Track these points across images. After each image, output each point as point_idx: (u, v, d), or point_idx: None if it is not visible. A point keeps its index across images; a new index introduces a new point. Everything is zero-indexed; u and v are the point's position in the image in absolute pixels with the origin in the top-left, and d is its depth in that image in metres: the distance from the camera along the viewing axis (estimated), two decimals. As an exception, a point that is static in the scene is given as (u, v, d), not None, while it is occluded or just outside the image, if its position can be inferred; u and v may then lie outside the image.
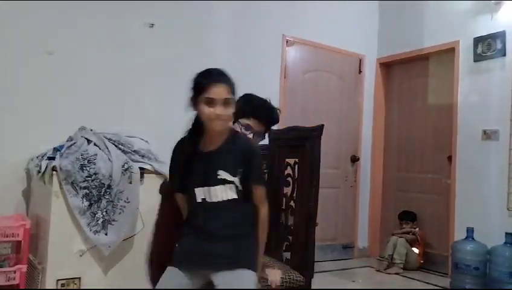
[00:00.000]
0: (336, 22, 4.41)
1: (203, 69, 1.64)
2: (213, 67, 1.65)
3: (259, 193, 1.66)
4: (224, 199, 1.62)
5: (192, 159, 1.66)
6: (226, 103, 1.56)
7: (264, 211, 1.67)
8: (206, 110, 1.56)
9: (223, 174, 1.62)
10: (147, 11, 3.29)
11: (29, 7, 2.81)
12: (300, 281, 1.87)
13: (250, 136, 1.89)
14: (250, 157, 1.65)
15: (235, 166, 1.63)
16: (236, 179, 1.62)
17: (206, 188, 1.63)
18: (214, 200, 1.63)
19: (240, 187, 1.62)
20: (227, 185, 1.62)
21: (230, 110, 1.59)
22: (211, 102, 1.55)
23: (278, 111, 2.01)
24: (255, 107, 1.97)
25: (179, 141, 1.75)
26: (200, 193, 1.65)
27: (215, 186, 1.62)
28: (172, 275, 1.61)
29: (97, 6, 3.06)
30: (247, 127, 1.94)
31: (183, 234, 1.70)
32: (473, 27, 3.80)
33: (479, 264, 3.32)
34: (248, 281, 1.56)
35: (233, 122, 1.84)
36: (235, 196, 1.62)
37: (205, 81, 1.58)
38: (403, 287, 3.62)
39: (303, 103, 4.22)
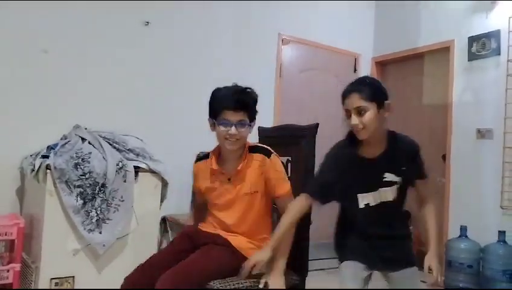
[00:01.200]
0: (331, 21, 4.41)
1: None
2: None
3: (428, 185, 1.78)
4: (389, 200, 1.70)
5: (355, 166, 1.69)
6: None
7: (433, 201, 1.81)
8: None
9: (389, 177, 1.68)
10: (142, 9, 3.28)
11: (23, 5, 2.79)
12: (295, 280, 1.87)
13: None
14: (415, 154, 1.72)
15: (400, 166, 1.69)
16: (399, 179, 1.69)
17: (372, 193, 1.70)
18: (379, 202, 1.70)
19: (400, 185, 1.70)
20: (393, 187, 1.69)
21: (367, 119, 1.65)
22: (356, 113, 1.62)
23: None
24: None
25: (336, 149, 1.76)
26: (365, 198, 1.71)
27: (381, 189, 1.69)
28: (353, 265, 1.72)
29: (92, 5, 3.04)
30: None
31: (347, 239, 1.79)
32: (467, 26, 3.81)
33: (473, 263, 3.34)
34: (417, 277, 1.77)
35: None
36: (396, 197, 1.70)
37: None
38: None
39: (298, 101, 4.22)
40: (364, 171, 1.68)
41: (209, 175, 1.90)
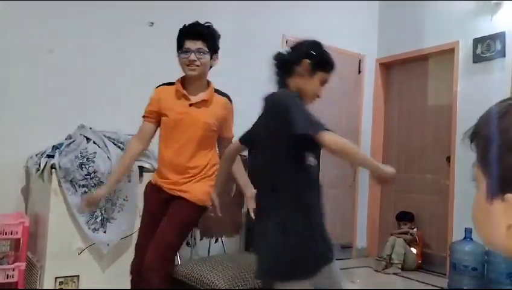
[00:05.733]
0: (335, 22, 4.41)
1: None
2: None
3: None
4: None
5: None
6: None
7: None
8: None
9: None
10: (146, 10, 3.29)
11: (28, 5, 2.81)
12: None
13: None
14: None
15: None
16: None
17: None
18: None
19: None
20: None
21: None
22: None
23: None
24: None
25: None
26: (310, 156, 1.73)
27: None
28: None
29: (97, 5, 3.06)
30: None
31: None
32: (472, 28, 3.80)
33: (477, 265, 3.32)
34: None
35: None
36: None
37: None
38: (400, 287, 3.62)
39: (302, 102, 4.22)
40: None
41: (172, 98, 2.02)
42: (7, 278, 2.27)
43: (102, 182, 2.33)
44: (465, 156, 3.80)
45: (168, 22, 3.39)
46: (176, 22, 3.48)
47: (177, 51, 2.02)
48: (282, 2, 4.00)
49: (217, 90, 2.06)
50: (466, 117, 3.82)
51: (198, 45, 1.95)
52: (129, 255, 2.45)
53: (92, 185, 2.32)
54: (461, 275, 3.37)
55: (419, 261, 4.06)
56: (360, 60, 4.63)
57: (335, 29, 4.39)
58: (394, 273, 3.94)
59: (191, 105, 1.99)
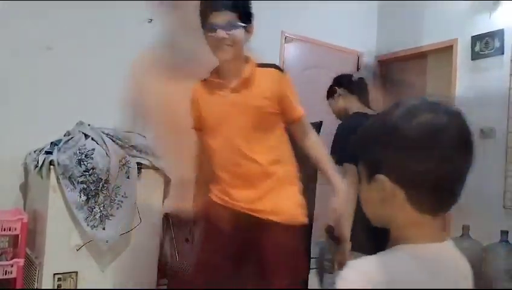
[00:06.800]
0: (334, 19, 4.40)
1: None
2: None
3: None
4: None
5: None
6: None
7: None
8: None
9: None
10: (145, 7, 3.28)
11: (26, 2, 2.80)
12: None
13: None
14: None
15: None
16: None
17: None
18: None
19: None
20: None
21: None
22: None
23: None
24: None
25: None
26: None
27: None
28: None
29: (96, 1, 3.05)
30: None
31: None
32: (471, 25, 3.80)
33: (475, 262, 3.32)
34: None
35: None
36: None
37: None
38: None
39: (302, 99, 4.19)
40: None
41: (209, 93, 1.61)
42: (5, 274, 2.27)
43: (100, 178, 2.33)
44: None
45: (167, 19, 3.39)
46: (175, 19, 3.48)
47: (202, 29, 1.56)
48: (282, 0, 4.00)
49: (260, 64, 1.61)
50: (464, 114, 3.82)
51: (226, 16, 1.48)
52: (128, 252, 2.46)
53: (91, 181, 2.31)
54: (459, 272, 3.38)
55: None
56: (359, 58, 4.63)
57: (334, 26, 4.39)
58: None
59: (232, 91, 1.55)
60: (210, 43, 1.54)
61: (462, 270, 0.81)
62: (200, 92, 1.64)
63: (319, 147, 1.60)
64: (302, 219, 1.52)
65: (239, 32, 1.50)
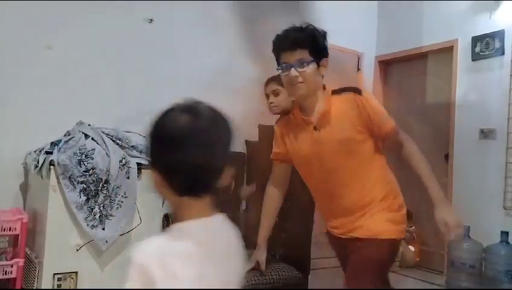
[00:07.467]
0: (334, 19, 4.38)
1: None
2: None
3: None
4: None
5: None
6: None
7: None
8: None
9: None
10: (146, 6, 3.28)
11: (26, 1, 2.80)
12: (297, 278, 1.87)
13: None
14: None
15: None
16: None
17: None
18: None
19: None
20: None
21: None
22: None
23: None
24: None
25: None
26: None
27: None
28: None
29: (95, 1, 3.05)
30: None
31: None
32: (471, 26, 3.80)
33: (475, 263, 3.33)
34: None
35: None
36: None
37: None
38: (398, 285, 3.63)
39: (301, 100, 4.21)
40: None
41: (293, 129, 1.67)
42: (5, 274, 2.27)
43: (100, 178, 2.32)
44: (463, 154, 3.82)
45: (167, 19, 3.39)
46: (175, 19, 3.50)
47: (277, 69, 1.64)
48: (281, -1, 3.99)
49: (335, 91, 1.64)
50: (465, 115, 3.83)
51: (297, 55, 1.54)
52: (128, 252, 2.46)
53: (91, 181, 2.31)
54: (459, 272, 3.38)
55: (417, 259, 4.07)
56: (359, 58, 4.63)
57: (334, 26, 4.36)
58: (392, 271, 3.95)
59: (315, 129, 1.59)
60: (284, 81, 1.60)
61: (229, 235, 0.95)
62: (285, 130, 1.72)
63: (415, 157, 1.68)
64: (390, 234, 1.61)
65: (310, 69, 1.55)
